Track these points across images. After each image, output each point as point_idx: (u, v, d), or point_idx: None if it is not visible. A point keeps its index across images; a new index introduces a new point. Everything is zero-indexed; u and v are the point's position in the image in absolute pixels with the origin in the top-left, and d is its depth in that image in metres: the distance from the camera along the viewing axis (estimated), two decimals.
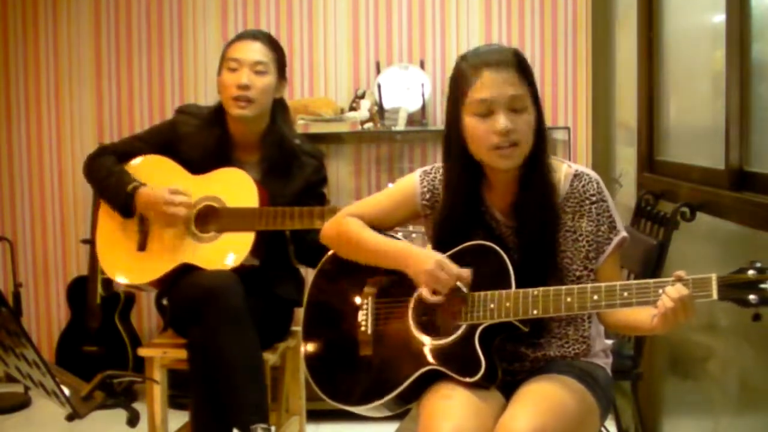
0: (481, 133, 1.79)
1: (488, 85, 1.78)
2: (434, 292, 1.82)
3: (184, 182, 2.62)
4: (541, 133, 1.84)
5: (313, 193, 2.68)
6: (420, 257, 1.85)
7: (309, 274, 2.42)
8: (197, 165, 2.63)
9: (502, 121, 1.77)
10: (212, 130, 2.65)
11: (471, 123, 1.81)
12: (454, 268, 1.81)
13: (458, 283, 1.81)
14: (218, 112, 2.66)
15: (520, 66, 1.81)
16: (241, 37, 2.67)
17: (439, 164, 1.97)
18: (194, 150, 2.64)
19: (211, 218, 2.59)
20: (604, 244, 1.85)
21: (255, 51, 2.61)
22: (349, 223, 2.01)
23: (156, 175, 2.62)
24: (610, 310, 1.80)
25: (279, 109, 2.71)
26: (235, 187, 2.58)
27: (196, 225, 2.60)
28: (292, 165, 2.66)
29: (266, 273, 2.64)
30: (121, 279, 2.68)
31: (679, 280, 1.60)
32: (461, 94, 1.82)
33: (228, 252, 2.53)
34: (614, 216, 1.87)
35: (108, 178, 2.64)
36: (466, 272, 1.81)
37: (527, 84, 1.81)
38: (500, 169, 1.83)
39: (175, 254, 2.58)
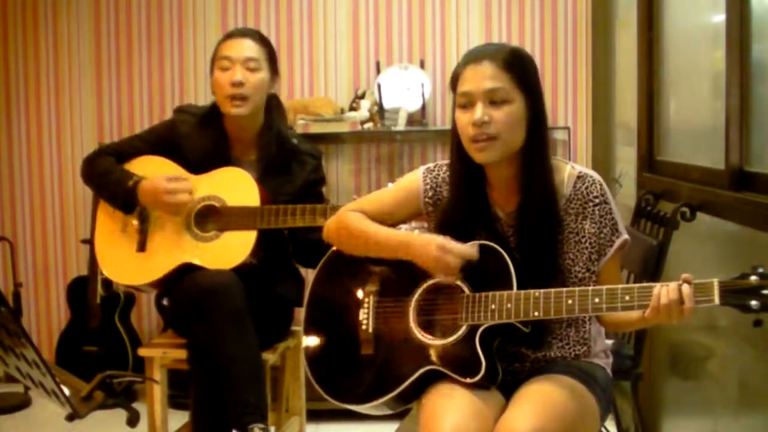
0: (462, 125, 1.83)
1: (468, 78, 1.82)
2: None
3: None
4: (539, 132, 1.84)
5: (312, 192, 2.68)
6: (421, 244, 1.85)
7: (309, 274, 2.42)
8: (196, 165, 2.62)
9: (477, 112, 1.79)
10: (208, 130, 2.64)
11: (456, 116, 1.85)
12: (457, 247, 1.82)
13: (459, 283, 1.83)
14: (213, 112, 2.65)
15: (507, 61, 1.81)
16: (230, 35, 2.66)
17: (442, 162, 1.98)
18: (193, 150, 2.63)
19: (211, 217, 2.58)
20: (606, 246, 1.85)
21: (246, 48, 2.60)
22: (351, 216, 2.01)
23: (155, 175, 2.61)
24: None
25: (273, 105, 2.70)
26: (236, 186, 2.56)
27: (196, 224, 2.59)
28: (291, 163, 2.66)
29: (266, 272, 2.63)
30: (122, 280, 2.67)
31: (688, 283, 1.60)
32: (454, 90, 1.87)
33: (230, 251, 2.52)
34: (616, 218, 1.87)
35: (107, 176, 2.63)
36: (471, 249, 1.82)
37: (515, 79, 1.80)
38: (480, 163, 1.84)
39: (175, 254, 2.57)
